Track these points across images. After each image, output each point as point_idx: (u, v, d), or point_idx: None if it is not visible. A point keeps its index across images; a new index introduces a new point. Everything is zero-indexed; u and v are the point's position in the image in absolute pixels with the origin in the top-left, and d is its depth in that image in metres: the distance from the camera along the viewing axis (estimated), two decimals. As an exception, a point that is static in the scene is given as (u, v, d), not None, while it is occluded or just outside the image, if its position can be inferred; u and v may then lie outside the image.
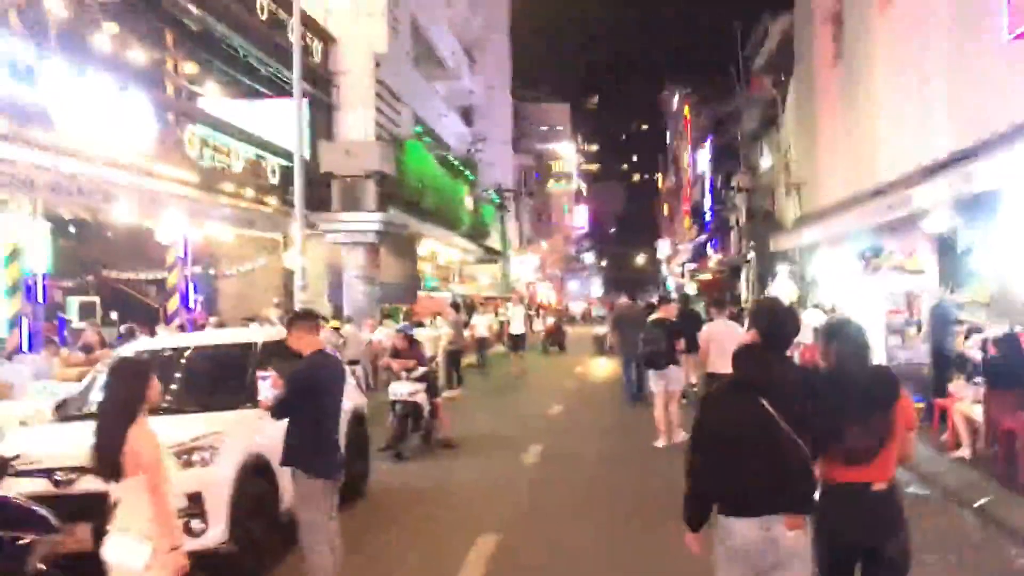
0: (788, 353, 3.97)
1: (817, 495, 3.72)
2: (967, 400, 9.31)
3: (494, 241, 43.13)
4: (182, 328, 16.82)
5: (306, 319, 5.67)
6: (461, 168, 34.57)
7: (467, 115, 45.11)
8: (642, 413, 13.43)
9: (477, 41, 46.36)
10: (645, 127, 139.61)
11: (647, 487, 9.14)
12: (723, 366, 10.81)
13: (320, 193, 21.00)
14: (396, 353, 11.15)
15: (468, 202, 34.30)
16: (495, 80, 51.33)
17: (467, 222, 33.53)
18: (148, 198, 14.37)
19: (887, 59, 16.50)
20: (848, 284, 16.17)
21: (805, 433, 3.54)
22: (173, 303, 19.08)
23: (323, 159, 20.60)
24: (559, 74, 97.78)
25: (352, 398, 8.37)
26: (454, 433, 11.74)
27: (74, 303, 20.35)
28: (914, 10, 14.95)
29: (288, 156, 21.19)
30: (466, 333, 21.69)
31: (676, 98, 66.12)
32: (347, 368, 8.68)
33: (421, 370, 10.85)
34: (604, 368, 22.84)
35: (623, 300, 20.94)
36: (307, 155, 21.69)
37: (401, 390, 10.68)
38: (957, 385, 9.83)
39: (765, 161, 31.27)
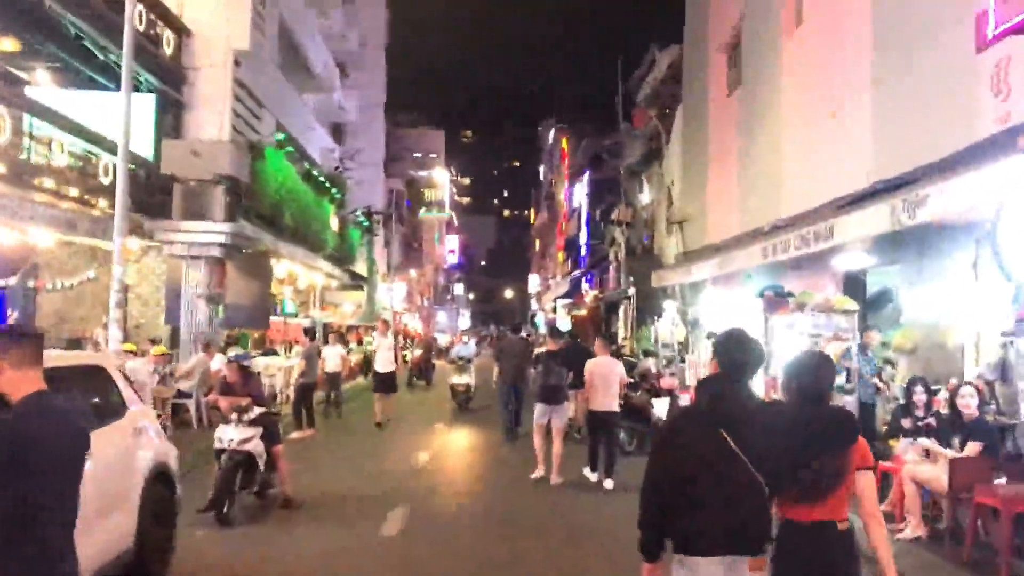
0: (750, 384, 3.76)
1: (775, 532, 3.67)
2: (917, 464, 7.85)
3: (360, 267, 40.70)
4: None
5: (20, 342, 3.32)
6: (327, 185, 32.13)
7: (337, 132, 42.78)
8: (519, 451, 13.09)
9: (352, 57, 44.30)
10: (518, 163, 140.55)
11: (535, 555, 7.27)
12: (604, 403, 10.75)
13: (161, 199, 18.36)
14: (227, 388, 8.79)
15: (334, 223, 31.89)
16: (369, 99, 49.23)
17: (332, 244, 31.09)
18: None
19: (795, 85, 15.44)
20: (747, 324, 14.85)
21: (762, 468, 3.47)
22: (-36, 319, 16.05)
23: (165, 159, 17.94)
24: (435, 102, 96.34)
25: (149, 448, 6.15)
26: (297, 489, 9.45)
27: None
28: (829, 29, 13.87)
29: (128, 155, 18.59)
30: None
31: (552, 132, 65.57)
32: (142, 409, 6.45)
33: (257, 410, 8.53)
34: (475, 405, 20.92)
35: (508, 333, 19.43)
36: (150, 154, 19.08)
37: (229, 436, 8.36)
38: (902, 446, 8.34)
39: (645, 196, 30.36)
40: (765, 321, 13.45)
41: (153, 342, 17.21)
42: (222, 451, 8.36)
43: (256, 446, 8.44)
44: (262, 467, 8.60)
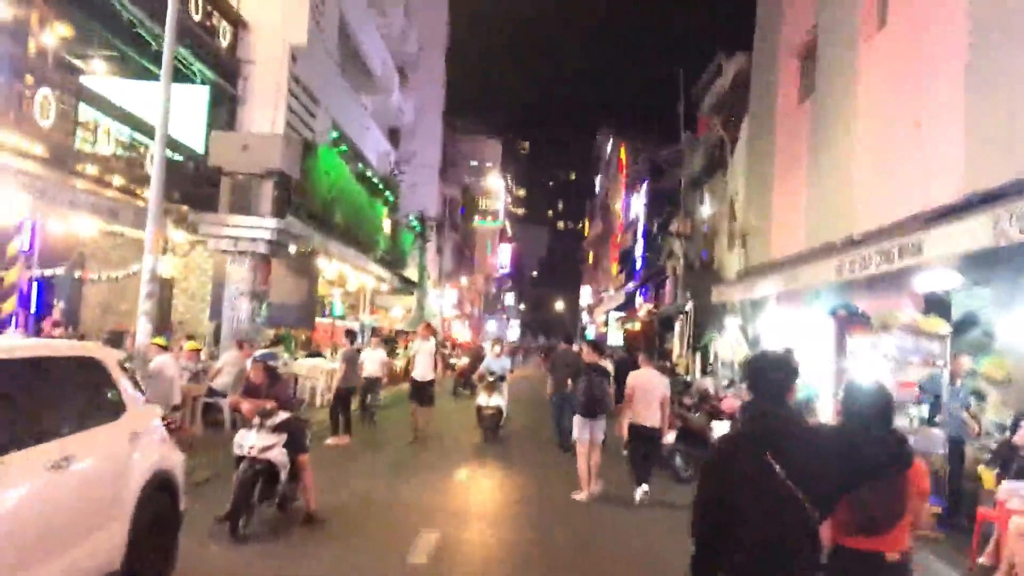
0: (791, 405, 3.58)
1: (825, 558, 3.60)
2: None
3: (411, 271, 40.24)
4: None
5: None
6: (381, 187, 31.70)
7: (394, 135, 42.38)
8: (563, 467, 12.44)
9: (411, 60, 43.98)
10: (574, 175, 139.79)
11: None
12: (648, 418, 10.41)
13: (209, 192, 17.93)
14: (251, 389, 8.11)
15: (386, 225, 31.41)
16: (427, 103, 48.84)
17: (383, 247, 30.58)
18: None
19: (873, 92, 14.39)
20: (816, 344, 13.87)
21: (810, 493, 3.34)
22: (9, 305, 15.72)
23: (214, 151, 17.49)
24: (493, 112, 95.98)
25: (151, 453, 5.46)
26: (322, 503, 8.73)
27: None
28: (916, 32, 12.84)
29: (175, 147, 18.21)
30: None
31: (610, 142, 64.60)
32: (145, 409, 5.79)
33: (281, 416, 7.80)
34: (522, 415, 20.07)
35: (561, 344, 18.48)
36: (201, 147, 18.71)
37: (250, 442, 7.65)
38: (1005, 490, 7.30)
39: (706, 208, 29.32)
40: (837, 341, 12.49)
41: (190, 337, 16.76)
42: (241, 458, 7.66)
43: (278, 455, 7.72)
44: (284, 478, 7.87)
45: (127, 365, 6.25)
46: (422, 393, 15.33)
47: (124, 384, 5.50)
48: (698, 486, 3.63)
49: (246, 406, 7.78)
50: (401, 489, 10.76)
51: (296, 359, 20.14)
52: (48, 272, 18.30)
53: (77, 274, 19.47)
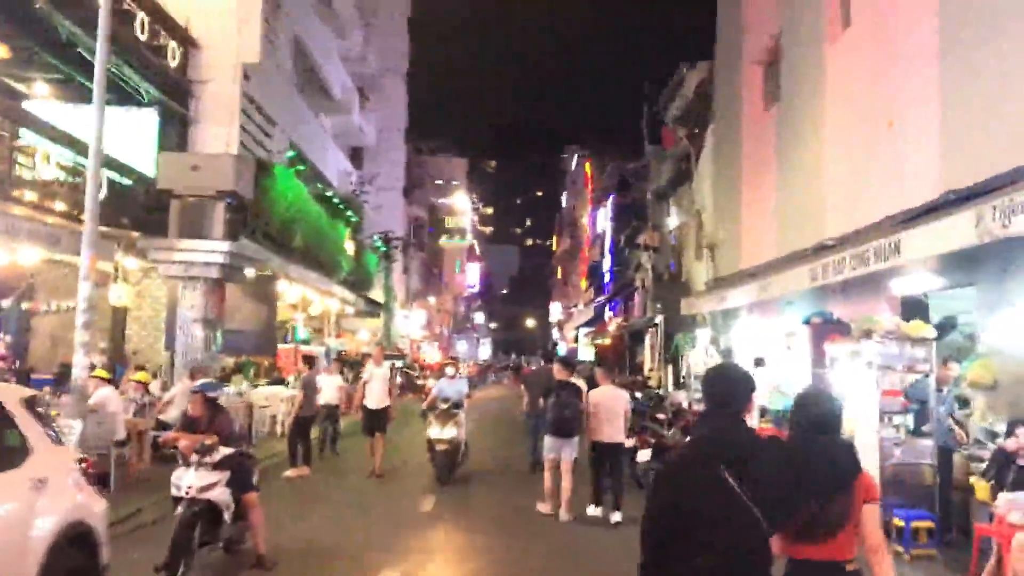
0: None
1: (781, 572, 3.62)
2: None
3: (377, 293, 39.49)
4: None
5: None
6: (343, 207, 30.97)
7: (356, 156, 41.76)
8: (531, 488, 12.07)
9: (371, 81, 43.49)
10: (540, 192, 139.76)
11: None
12: (610, 434, 10.33)
13: (160, 217, 17.20)
14: (189, 423, 7.43)
15: (349, 247, 30.68)
16: (389, 124, 48.29)
17: (347, 268, 29.84)
18: None
19: (841, 94, 14.06)
20: (793, 354, 13.46)
21: (763, 505, 3.31)
22: (-61, 341, 14.92)
23: (163, 174, 16.77)
24: (457, 130, 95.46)
25: (62, 502, 4.81)
26: (275, 544, 8.05)
27: None
28: (883, 29, 12.49)
29: (124, 171, 17.48)
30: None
31: (575, 158, 64.37)
32: (55, 453, 5.14)
33: (223, 451, 7.14)
34: (490, 437, 19.43)
35: (542, 363, 17.72)
36: (151, 170, 17.97)
37: (187, 481, 6.96)
38: (1004, 503, 6.80)
39: (673, 220, 28.97)
40: (814, 350, 12.08)
41: (139, 368, 15.99)
42: (179, 499, 6.98)
43: (220, 494, 7.04)
44: (228, 518, 7.19)
45: (43, 402, 5.57)
46: (375, 421, 13.78)
47: (30, 425, 4.84)
48: (649, 496, 3.58)
49: (183, 442, 7.10)
50: (361, 525, 10.07)
51: (256, 387, 19.39)
52: (-9, 305, 17.52)
53: (25, 305, 18.67)
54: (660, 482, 3.62)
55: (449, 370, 14.89)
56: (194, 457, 7.04)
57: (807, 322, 13.02)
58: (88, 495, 5.27)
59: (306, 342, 29.43)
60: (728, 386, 3.56)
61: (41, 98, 18.62)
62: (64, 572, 4.78)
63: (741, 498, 3.29)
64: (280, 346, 26.18)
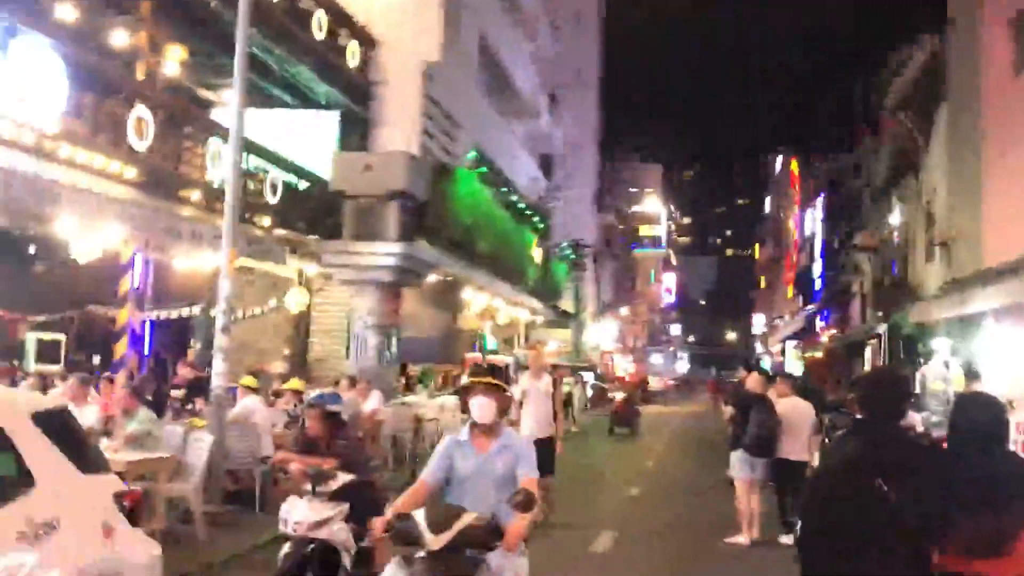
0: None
1: None
2: None
3: (567, 303, 38.16)
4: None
5: None
6: (530, 214, 29.87)
7: (546, 163, 40.55)
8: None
9: (563, 85, 42.24)
10: (741, 201, 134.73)
11: None
12: (794, 451, 9.59)
13: (333, 221, 16.60)
14: (307, 444, 6.11)
15: (536, 255, 29.54)
16: (581, 130, 46.91)
17: (533, 276, 28.69)
18: (36, 191, 10.03)
19: None
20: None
21: (923, 519, 3.28)
22: (121, 347, 14.77)
23: (336, 174, 16.10)
24: (653, 138, 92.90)
25: (72, 553, 3.49)
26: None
27: (33, 341, 16.95)
28: None
29: (301, 174, 17.01)
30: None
31: (780, 160, 60.58)
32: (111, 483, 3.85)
33: (343, 478, 5.76)
34: (689, 462, 17.38)
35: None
36: (326, 173, 17.43)
37: (297, 516, 5.62)
38: None
39: (895, 217, 25.77)
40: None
41: (251, 374, 15.29)
42: (287, 539, 5.65)
43: (338, 532, 5.62)
44: (348, 563, 5.76)
45: (66, 416, 4.31)
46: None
47: (37, 447, 3.59)
48: (803, 511, 3.72)
49: (294, 465, 5.77)
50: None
51: (434, 398, 18.42)
52: (175, 313, 17.49)
53: (213, 313, 18.67)
54: (813, 491, 3.72)
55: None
56: (307, 485, 5.68)
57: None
58: (128, 542, 3.96)
59: (494, 352, 28.61)
60: (888, 393, 3.60)
61: (229, 105, 18.63)
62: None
63: (896, 509, 3.25)
64: (468, 355, 25.40)
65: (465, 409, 4.70)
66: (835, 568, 3.33)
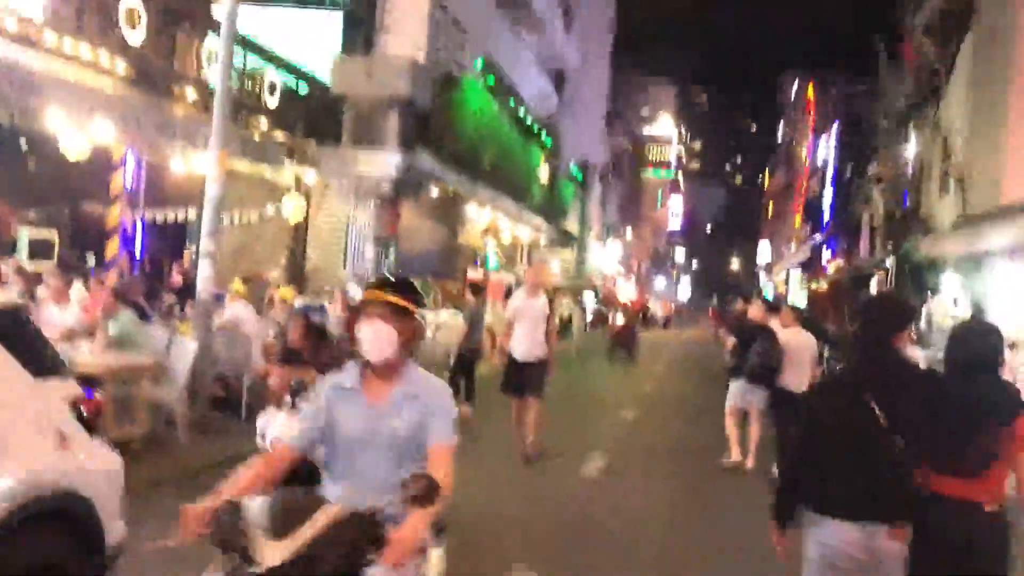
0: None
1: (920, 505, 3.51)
2: None
3: (571, 224, 37.69)
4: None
5: None
6: (537, 131, 29.20)
7: (557, 80, 39.48)
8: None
9: (576, -1, 40.76)
10: (754, 128, 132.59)
11: None
12: (794, 382, 9.22)
13: (333, 126, 16.08)
14: (289, 355, 5.81)
15: (543, 173, 28.99)
16: (593, 46, 45.52)
17: (538, 195, 28.20)
18: (19, 81, 9.57)
19: None
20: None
21: (909, 437, 3.36)
22: (112, 249, 14.45)
23: (336, 78, 15.53)
24: (667, 55, 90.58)
25: (25, 461, 3.23)
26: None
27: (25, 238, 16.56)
28: None
29: (301, 75, 16.43)
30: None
31: (795, 83, 59.16)
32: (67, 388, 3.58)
33: (324, 394, 5.50)
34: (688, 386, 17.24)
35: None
36: (327, 77, 16.84)
37: (275, 430, 5.39)
38: None
39: (911, 148, 25.13)
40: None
41: (245, 280, 14.99)
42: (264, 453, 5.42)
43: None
44: (329, 480, 5.56)
45: (24, 313, 4.01)
46: (523, 379, 9.06)
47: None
48: (795, 425, 3.67)
49: (274, 377, 5.50)
50: (512, 502, 7.69)
51: (433, 314, 18.18)
52: (171, 216, 17.11)
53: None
54: (806, 404, 3.74)
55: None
56: (287, 398, 5.43)
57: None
58: (84, 451, 3.70)
59: (495, 270, 28.30)
60: (882, 315, 3.66)
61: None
62: (35, 567, 3.25)
63: (884, 427, 3.31)
64: (469, 271, 25.09)
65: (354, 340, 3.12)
66: (816, 475, 3.41)
